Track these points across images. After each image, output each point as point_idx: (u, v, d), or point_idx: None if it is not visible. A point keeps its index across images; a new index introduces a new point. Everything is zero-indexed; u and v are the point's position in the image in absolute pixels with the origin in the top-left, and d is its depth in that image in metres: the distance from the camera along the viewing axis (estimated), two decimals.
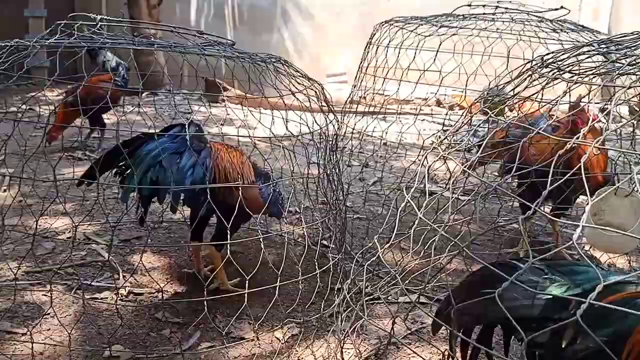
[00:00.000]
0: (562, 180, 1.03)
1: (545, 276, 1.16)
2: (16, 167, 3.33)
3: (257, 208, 2.17)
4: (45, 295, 2.21)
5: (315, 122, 2.08)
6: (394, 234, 1.28)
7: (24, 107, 4.28)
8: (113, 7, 7.37)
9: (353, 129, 3.03)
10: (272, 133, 1.88)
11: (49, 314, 2.09)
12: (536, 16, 2.80)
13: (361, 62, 2.97)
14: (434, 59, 2.63)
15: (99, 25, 1.73)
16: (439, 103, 6.71)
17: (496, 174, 3.83)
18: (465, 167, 1.20)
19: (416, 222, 1.20)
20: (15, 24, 6.76)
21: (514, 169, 1.13)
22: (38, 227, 2.87)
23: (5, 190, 3.30)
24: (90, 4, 7.36)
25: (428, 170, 1.32)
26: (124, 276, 2.42)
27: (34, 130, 3.92)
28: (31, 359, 1.75)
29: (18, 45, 1.72)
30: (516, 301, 1.13)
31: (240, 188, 1.95)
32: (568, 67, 1.43)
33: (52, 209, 3.04)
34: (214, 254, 2.27)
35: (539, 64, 1.47)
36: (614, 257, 2.72)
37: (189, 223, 2.28)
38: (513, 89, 1.47)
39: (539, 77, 1.38)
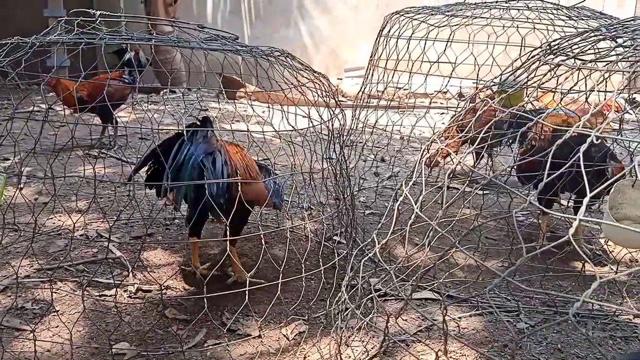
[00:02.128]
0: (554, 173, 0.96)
1: None
2: (35, 166, 3.39)
3: (263, 201, 2.18)
4: (56, 292, 2.23)
5: (320, 116, 2.05)
6: (391, 229, 1.24)
7: (43, 106, 4.32)
8: (132, 6, 7.43)
9: (364, 122, 2.98)
10: (275, 129, 1.85)
11: (57, 311, 2.10)
12: (552, 3, 2.71)
13: (372, 55, 2.91)
14: (444, 50, 2.56)
15: (98, 20, 1.72)
16: (460, 96, 6.59)
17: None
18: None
19: (413, 217, 1.15)
20: (36, 24, 6.86)
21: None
22: (52, 224, 2.92)
23: (21, 189, 3.34)
24: (108, 3, 7.44)
25: (423, 162, 1.27)
26: (133, 273, 2.43)
27: (53, 129, 4.00)
28: (35, 356, 1.75)
29: (19, 43, 1.72)
30: None
31: (248, 183, 1.97)
32: (577, 53, 1.36)
33: (66, 206, 3.08)
34: (229, 249, 2.28)
35: (545, 51, 1.41)
36: (633, 251, 2.63)
37: (187, 220, 2.30)
38: (517, 77, 1.40)
39: (544, 64, 1.32)
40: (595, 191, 0.83)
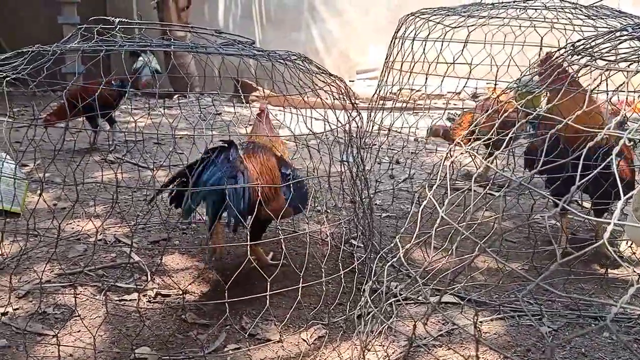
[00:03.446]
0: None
1: None
2: (54, 172, 3.42)
3: (281, 212, 2.19)
4: (77, 297, 2.24)
5: (338, 119, 2.04)
6: (416, 233, 1.22)
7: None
8: (144, 11, 7.48)
9: (379, 125, 2.96)
10: (292, 132, 1.85)
11: (79, 315, 2.12)
12: (570, 2, 2.68)
13: (387, 58, 2.90)
14: (461, 51, 2.54)
15: (117, 27, 1.73)
16: (475, 96, 6.55)
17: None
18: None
19: (438, 221, 1.14)
20: (50, 31, 6.94)
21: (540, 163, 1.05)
22: (71, 229, 2.94)
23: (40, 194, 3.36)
24: (121, 10, 7.50)
25: (451, 165, 1.26)
26: (152, 278, 2.43)
27: (71, 135, 4.04)
28: None
29: (40, 51, 1.73)
30: None
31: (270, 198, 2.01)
32: (601, 53, 1.34)
33: (86, 211, 3.10)
34: (253, 250, 2.30)
35: (569, 51, 1.39)
36: None
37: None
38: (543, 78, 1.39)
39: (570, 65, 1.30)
40: (631, 193, 0.82)
